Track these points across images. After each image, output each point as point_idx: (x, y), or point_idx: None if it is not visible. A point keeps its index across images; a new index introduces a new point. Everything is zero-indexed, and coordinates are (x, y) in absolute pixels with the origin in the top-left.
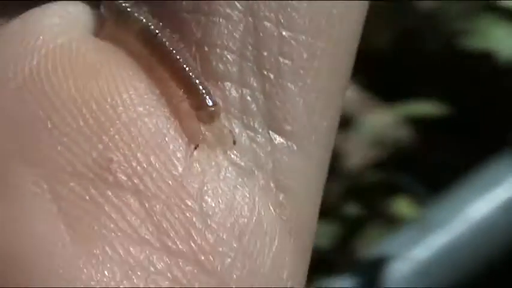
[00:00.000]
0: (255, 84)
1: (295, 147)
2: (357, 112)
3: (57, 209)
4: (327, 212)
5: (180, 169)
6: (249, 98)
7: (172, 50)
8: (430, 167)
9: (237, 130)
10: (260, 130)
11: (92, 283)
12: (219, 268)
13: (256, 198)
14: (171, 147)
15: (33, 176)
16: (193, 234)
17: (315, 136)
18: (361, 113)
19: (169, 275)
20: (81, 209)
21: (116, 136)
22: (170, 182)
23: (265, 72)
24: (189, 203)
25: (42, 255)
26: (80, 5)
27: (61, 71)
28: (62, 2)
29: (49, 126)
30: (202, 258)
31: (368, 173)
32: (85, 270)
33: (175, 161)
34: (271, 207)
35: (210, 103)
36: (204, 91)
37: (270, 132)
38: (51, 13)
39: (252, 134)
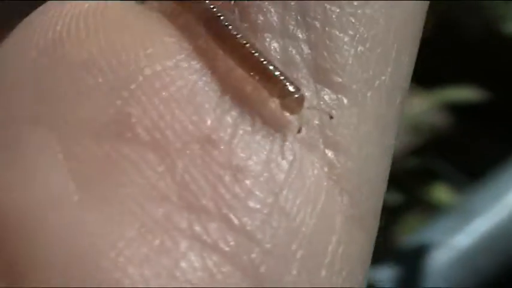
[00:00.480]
0: (298, 35)
1: (345, 101)
2: None
3: (68, 169)
4: None
5: (209, 121)
6: (291, 49)
7: (240, 36)
8: (468, 153)
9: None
10: (305, 82)
11: (99, 241)
12: (249, 225)
13: (298, 153)
14: (198, 99)
15: (46, 139)
16: (220, 188)
17: (372, 92)
18: None
19: (189, 232)
20: (94, 167)
21: (138, 91)
22: (196, 135)
23: (310, 21)
24: (216, 155)
25: (48, 214)
26: None
27: (83, 29)
28: None
29: (65, 87)
30: (229, 214)
31: (406, 160)
32: (92, 227)
33: (203, 113)
34: (317, 164)
35: (293, 89)
36: (282, 77)
37: (317, 85)
38: None
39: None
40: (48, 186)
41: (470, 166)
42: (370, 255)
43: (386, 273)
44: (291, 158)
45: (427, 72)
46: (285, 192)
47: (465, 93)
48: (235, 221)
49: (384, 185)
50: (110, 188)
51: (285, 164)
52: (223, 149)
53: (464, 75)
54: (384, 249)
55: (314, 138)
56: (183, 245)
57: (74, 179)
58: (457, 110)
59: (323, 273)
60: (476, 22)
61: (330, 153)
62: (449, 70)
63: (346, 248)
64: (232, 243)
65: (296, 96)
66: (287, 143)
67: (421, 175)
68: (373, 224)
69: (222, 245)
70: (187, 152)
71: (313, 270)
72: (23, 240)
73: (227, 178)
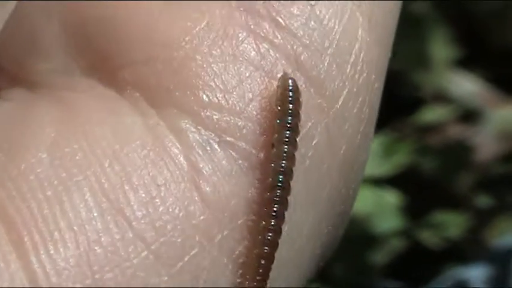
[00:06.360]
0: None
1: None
2: (484, 106)
3: None
4: (458, 203)
5: None
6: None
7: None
8: None
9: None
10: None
11: (175, 29)
12: (292, 25)
13: None
14: None
15: None
16: None
17: None
18: (489, 107)
19: (246, 26)
20: None
21: None
22: None
23: None
24: None
25: (132, 14)
26: None
27: None
28: None
29: None
30: (277, 17)
31: (498, 166)
32: (167, 23)
33: None
34: None
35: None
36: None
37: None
38: None
39: None
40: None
41: None
42: (384, 73)
43: (477, 272)
44: None
45: None
46: (319, 5)
47: None
48: (282, 22)
49: (393, 29)
50: None
51: None
52: None
53: None
54: (475, 251)
55: None
56: (242, 34)
57: None
58: None
59: (348, 69)
60: None
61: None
62: None
63: (366, 55)
64: (279, 36)
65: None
66: None
67: None
68: (387, 46)
69: (271, 37)
70: None
71: (341, 64)
72: (114, 34)
73: None
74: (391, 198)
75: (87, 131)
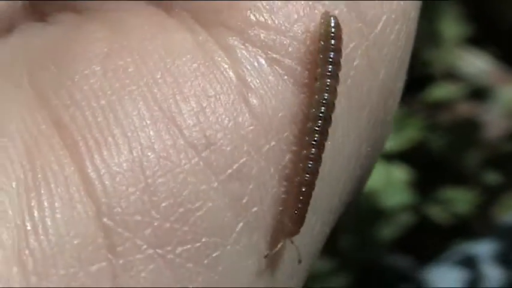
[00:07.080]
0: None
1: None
2: (494, 84)
3: None
4: (466, 179)
5: None
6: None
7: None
8: None
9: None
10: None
11: None
12: None
13: None
14: None
15: None
16: None
17: None
18: (498, 84)
19: None
20: None
21: None
22: None
23: None
24: None
25: None
26: None
27: None
28: None
29: None
30: None
31: (506, 143)
32: None
33: None
34: None
35: (297, 227)
36: (300, 210)
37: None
38: None
39: None
40: None
41: None
42: (419, 5)
43: (485, 248)
44: None
45: None
46: None
47: None
48: None
49: None
50: None
51: None
52: None
53: None
54: (483, 227)
55: None
56: None
57: None
58: None
59: None
60: None
61: None
62: None
63: None
64: None
65: (293, 227)
66: None
67: None
68: None
69: None
70: None
71: None
72: None
73: None
74: (400, 173)
75: (138, 45)
